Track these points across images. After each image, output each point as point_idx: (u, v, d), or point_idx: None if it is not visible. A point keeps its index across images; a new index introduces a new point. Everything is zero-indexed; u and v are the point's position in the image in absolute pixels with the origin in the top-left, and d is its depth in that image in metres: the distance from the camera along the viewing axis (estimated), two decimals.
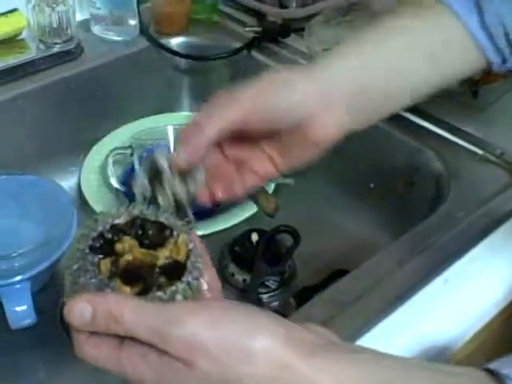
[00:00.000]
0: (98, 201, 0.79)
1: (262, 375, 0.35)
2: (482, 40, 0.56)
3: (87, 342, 0.38)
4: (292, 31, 0.91)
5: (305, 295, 0.69)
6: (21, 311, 0.62)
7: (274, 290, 0.71)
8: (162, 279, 0.38)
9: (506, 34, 0.55)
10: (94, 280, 0.37)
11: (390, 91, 0.55)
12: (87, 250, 0.38)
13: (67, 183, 0.84)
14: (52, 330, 0.66)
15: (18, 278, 0.61)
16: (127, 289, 0.38)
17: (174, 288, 0.37)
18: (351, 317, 0.52)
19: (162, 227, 0.40)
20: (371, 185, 0.79)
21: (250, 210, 0.77)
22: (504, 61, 0.57)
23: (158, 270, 0.38)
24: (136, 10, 0.89)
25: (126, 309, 0.36)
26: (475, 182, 0.66)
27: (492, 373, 0.37)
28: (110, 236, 0.39)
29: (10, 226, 0.72)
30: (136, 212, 0.41)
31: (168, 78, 0.94)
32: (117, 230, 0.40)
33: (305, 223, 0.76)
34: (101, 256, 0.39)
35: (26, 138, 0.83)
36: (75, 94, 0.85)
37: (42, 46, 0.83)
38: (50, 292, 0.69)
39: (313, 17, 0.88)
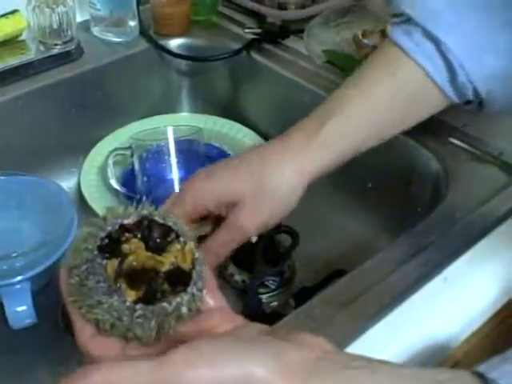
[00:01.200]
0: (98, 201, 0.79)
1: None
2: (449, 92, 0.60)
3: (92, 341, 0.38)
4: (291, 33, 0.91)
5: (304, 295, 0.69)
6: (21, 311, 0.62)
7: (273, 291, 0.71)
8: (166, 286, 0.38)
9: (474, 89, 0.59)
10: (102, 284, 0.37)
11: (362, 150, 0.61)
12: (96, 252, 0.38)
13: (67, 184, 0.84)
14: (52, 330, 0.67)
15: (19, 278, 0.62)
16: (132, 293, 0.38)
17: (179, 299, 0.37)
18: (350, 317, 0.52)
19: (168, 231, 0.40)
20: (369, 185, 0.79)
21: None
22: (468, 102, 0.61)
23: (162, 275, 0.39)
24: (136, 12, 0.89)
25: (117, 380, 0.35)
26: (473, 182, 0.66)
27: (480, 375, 0.37)
28: (117, 236, 0.39)
29: (10, 226, 0.73)
30: (145, 213, 0.41)
31: (167, 79, 0.94)
32: (125, 230, 0.40)
33: (304, 223, 0.76)
34: (108, 256, 0.39)
35: (27, 139, 0.83)
36: (75, 95, 0.85)
37: (42, 47, 0.84)
38: (50, 292, 0.69)
39: (312, 18, 0.89)
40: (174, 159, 0.81)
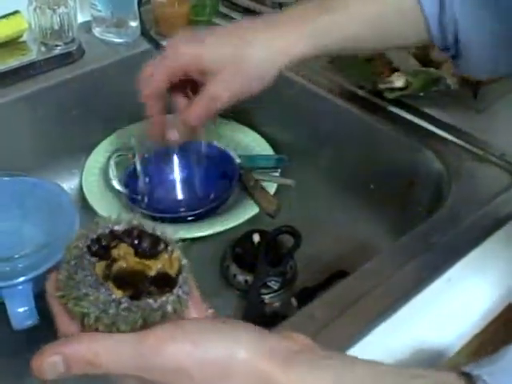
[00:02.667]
0: (100, 202, 0.79)
1: None
2: (434, 28, 0.61)
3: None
4: None
5: (306, 296, 0.69)
6: (23, 312, 0.62)
7: (275, 291, 0.71)
8: (153, 288, 0.39)
9: (455, 32, 0.61)
10: (89, 278, 0.38)
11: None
12: (85, 249, 0.39)
13: (69, 185, 0.84)
14: (54, 331, 0.67)
15: (21, 279, 0.62)
16: (119, 292, 0.38)
17: (164, 299, 0.38)
18: (353, 318, 0.52)
19: (157, 240, 0.41)
20: (371, 186, 0.79)
21: (252, 211, 0.77)
22: (446, 48, 0.63)
23: (149, 278, 0.39)
24: (137, 12, 0.89)
25: (101, 349, 0.35)
26: (476, 182, 0.66)
27: (466, 375, 0.37)
28: (106, 241, 0.40)
29: (12, 227, 0.73)
30: (135, 223, 0.42)
31: None
32: (114, 236, 0.41)
33: (306, 224, 0.76)
34: (97, 258, 0.39)
35: (28, 140, 0.83)
36: (77, 96, 0.85)
37: (43, 48, 0.84)
38: None
39: None
40: (175, 160, 0.81)
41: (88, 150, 0.86)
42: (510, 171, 0.67)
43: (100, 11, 0.87)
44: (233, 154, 0.86)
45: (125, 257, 0.40)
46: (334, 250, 0.77)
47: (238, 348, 0.36)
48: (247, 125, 0.92)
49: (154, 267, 0.40)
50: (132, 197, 0.80)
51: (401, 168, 0.75)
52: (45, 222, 0.71)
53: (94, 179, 0.83)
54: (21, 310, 0.62)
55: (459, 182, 0.66)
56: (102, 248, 0.40)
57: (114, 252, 0.40)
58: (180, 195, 0.82)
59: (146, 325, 0.38)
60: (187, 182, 0.82)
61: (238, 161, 0.84)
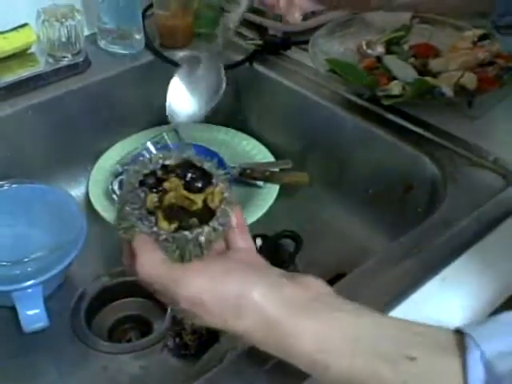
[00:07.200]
0: (106, 208, 0.81)
1: (254, 329, 0.40)
2: None
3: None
4: (292, 44, 0.93)
5: None
6: (33, 315, 0.64)
7: None
8: (194, 220, 0.44)
9: None
10: (136, 211, 0.43)
11: None
12: (137, 185, 0.44)
13: (75, 192, 0.86)
14: (63, 333, 0.68)
15: (31, 282, 0.63)
16: (165, 223, 0.43)
17: (199, 230, 0.43)
18: None
19: (204, 173, 0.46)
20: (370, 191, 0.81)
21: (254, 216, 0.79)
22: None
23: (192, 213, 0.44)
24: (141, 25, 0.91)
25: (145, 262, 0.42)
26: (470, 186, 0.68)
27: (458, 332, 0.40)
28: (159, 174, 0.45)
29: (22, 232, 0.75)
30: (185, 156, 0.47)
31: None
32: (166, 170, 0.46)
33: (307, 229, 0.78)
34: (149, 190, 0.45)
35: (36, 149, 0.84)
36: (83, 106, 0.87)
37: (51, 60, 0.86)
38: (61, 296, 0.71)
39: (311, 30, 0.91)
40: None
41: (94, 158, 0.88)
42: (503, 175, 0.68)
43: (106, 24, 0.89)
44: (218, 153, 0.87)
45: (175, 189, 0.45)
46: (335, 253, 0.78)
47: (251, 291, 0.40)
48: (249, 133, 0.94)
49: (199, 201, 0.45)
50: None
51: (399, 173, 0.77)
52: (53, 227, 0.73)
53: (99, 186, 0.84)
54: (31, 312, 0.63)
55: (454, 185, 0.67)
56: (155, 180, 0.45)
57: (166, 185, 0.45)
58: None
59: (182, 253, 0.43)
60: None
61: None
